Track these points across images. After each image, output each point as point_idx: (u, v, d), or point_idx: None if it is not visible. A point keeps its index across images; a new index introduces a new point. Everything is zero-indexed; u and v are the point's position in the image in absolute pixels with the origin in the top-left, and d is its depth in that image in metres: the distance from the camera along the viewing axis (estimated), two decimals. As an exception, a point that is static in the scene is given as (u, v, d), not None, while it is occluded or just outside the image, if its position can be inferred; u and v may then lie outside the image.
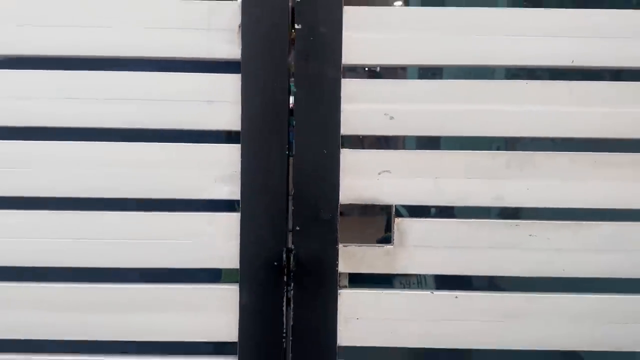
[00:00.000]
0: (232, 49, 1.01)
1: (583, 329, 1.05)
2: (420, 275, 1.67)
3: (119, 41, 1.01)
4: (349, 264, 1.04)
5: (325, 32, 1.01)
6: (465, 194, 1.03)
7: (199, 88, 1.02)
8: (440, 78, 1.37)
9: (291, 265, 1.03)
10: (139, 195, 1.03)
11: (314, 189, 1.03)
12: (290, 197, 1.03)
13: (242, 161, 1.02)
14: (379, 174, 1.03)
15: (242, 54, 1.01)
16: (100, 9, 1.02)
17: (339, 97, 1.01)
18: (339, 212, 1.03)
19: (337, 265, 1.03)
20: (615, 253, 1.03)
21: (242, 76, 1.01)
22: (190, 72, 1.03)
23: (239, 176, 1.02)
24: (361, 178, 1.03)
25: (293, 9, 1.00)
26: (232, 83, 1.01)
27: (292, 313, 1.03)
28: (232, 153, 1.02)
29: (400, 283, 1.69)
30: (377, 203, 1.04)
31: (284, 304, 1.03)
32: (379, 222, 1.45)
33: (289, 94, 1.02)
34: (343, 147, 1.02)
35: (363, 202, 1.04)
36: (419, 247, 1.03)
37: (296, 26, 1.00)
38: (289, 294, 1.04)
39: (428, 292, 1.05)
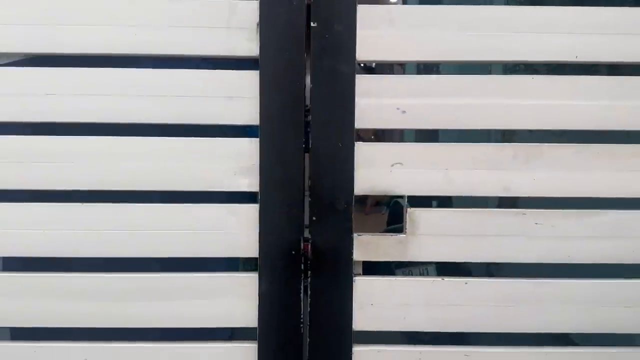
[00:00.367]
0: (251, 47, 1.06)
1: (587, 312, 1.09)
2: (422, 267, 1.72)
3: (143, 39, 1.05)
4: (363, 252, 1.08)
5: (340, 29, 1.05)
6: (474, 185, 1.08)
7: (219, 84, 1.06)
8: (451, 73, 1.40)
9: (308, 254, 1.07)
10: (161, 187, 1.07)
11: (330, 180, 1.07)
12: (306, 189, 1.07)
13: (260, 154, 1.06)
14: (392, 166, 1.08)
15: (260, 52, 1.05)
16: (123, 9, 1.05)
17: (354, 92, 1.06)
18: (353, 202, 1.07)
19: (352, 253, 1.08)
20: (617, 240, 1.08)
21: (260, 73, 1.05)
22: (210, 69, 1.07)
23: (258, 169, 1.07)
24: (375, 170, 1.08)
25: (309, 7, 1.04)
26: (250, 79, 1.06)
27: (309, 300, 1.08)
28: (251, 147, 1.07)
29: (403, 273, 1.74)
30: (390, 194, 1.09)
31: (302, 291, 1.08)
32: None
33: (305, 90, 1.06)
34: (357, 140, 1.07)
35: (377, 193, 1.09)
36: (430, 235, 1.08)
37: (312, 24, 1.04)
38: (306, 282, 1.08)
39: (439, 279, 1.10)
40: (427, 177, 1.08)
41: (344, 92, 1.06)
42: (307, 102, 1.06)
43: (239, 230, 1.08)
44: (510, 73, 1.17)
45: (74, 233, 1.08)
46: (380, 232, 1.10)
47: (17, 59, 1.10)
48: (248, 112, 1.06)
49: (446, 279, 1.10)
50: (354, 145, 1.07)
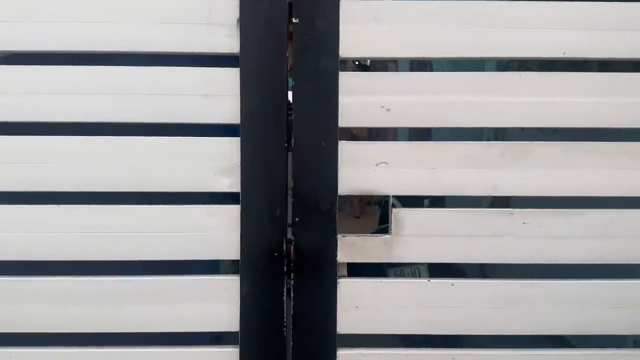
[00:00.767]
0: (231, 43, 1.03)
1: (575, 314, 1.07)
2: (414, 267, 1.70)
3: (120, 36, 1.02)
4: (347, 254, 1.06)
5: (323, 25, 1.02)
6: (461, 184, 1.05)
7: (199, 82, 1.03)
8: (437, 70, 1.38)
9: (291, 256, 1.05)
10: (140, 188, 1.05)
11: (313, 180, 1.04)
12: (289, 189, 1.05)
13: (241, 154, 1.04)
14: (377, 165, 1.05)
15: (240, 48, 1.02)
16: (101, 5, 1.02)
17: (337, 89, 1.03)
18: (337, 202, 1.05)
19: (336, 255, 1.05)
20: (606, 240, 1.06)
21: (240, 70, 1.02)
22: (190, 67, 1.04)
23: (239, 169, 1.04)
24: (359, 169, 1.05)
25: (290, 3, 1.02)
26: (231, 77, 1.03)
27: (292, 302, 1.05)
28: (232, 146, 1.04)
29: (395, 274, 1.72)
30: (375, 194, 1.06)
31: (284, 293, 1.05)
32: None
33: (287, 87, 1.03)
34: (341, 139, 1.04)
35: (361, 193, 1.06)
36: (416, 236, 1.06)
37: (294, 20, 1.02)
38: (289, 284, 1.05)
39: (425, 280, 1.07)
40: (413, 176, 1.05)
41: (327, 89, 1.03)
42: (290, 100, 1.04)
43: (220, 232, 1.06)
44: (503, 70, 1.14)
45: (51, 236, 1.05)
46: (365, 233, 1.07)
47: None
48: (229, 110, 1.04)
49: (433, 280, 1.07)
50: (337, 144, 1.04)
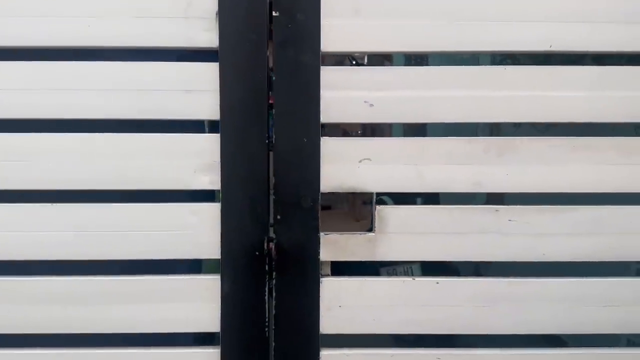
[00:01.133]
0: (210, 37, 1.01)
1: (564, 313, 1.05)
2: (407, 266, 1.68)
3: (96, 31, 1.00)
4: (330, 252, 1.04)
5: (303, 19, 1.00)
6: (445, 181, 1.03)
7: (177, 77, 1.01)
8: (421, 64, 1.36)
9: (273, 255, 1.02)
10: (118, 186, 1.03)
11: (295, 177, 1.02)
12: (272, 186, 1.03)
13: (221, 151, 1.01)
14: (360, 162, 1.03)
15: (220, 42, 1.00)
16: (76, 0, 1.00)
17: (319, 84, 1.01)
18: (320, 200, 1.02)
19: (318, 253, 1.03)
20: (594, 237, 1.04)
21: (220, 64, 1.00)
22: (168, 61, 1.02)
23: (219, 166, 1.02)
24: (342, 166, 1.03)
25: (271, -4, 1.00)
26: (210, 72, 1.01)
27: (274, 302, 1.03)
28: (211, 143, 1.02)
29: (388, 273, 1.70)
30: (358, 191, 1.04)
31: (266, 293, 1.03)
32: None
33: (268, 82, 1.01)
34: (323, 135, 1.02)
35: (344, 191, 1.04)
36: (400, 234, 1.04)
37: (274, 13, 1.00)
38: (271, 283, 1.03)
39: (409, 279, 1.05)
40: (397, 173, 1.03)
41: (309, 84, 1.01)
42: (272, 95, 1.02)
43: (200, 231, 1.03)
44: (489, 64, 1.12)
45: (29, 235, 1.02)
46: (348, 231, 1.05)
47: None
48: (208, 106, 1.01)
49: (417, 278, 1.05)
50: (319, 140, 1.02)
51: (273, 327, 1.03)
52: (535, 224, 1.04)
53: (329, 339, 1.04)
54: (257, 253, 1.03)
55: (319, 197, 1.02)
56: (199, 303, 1.04)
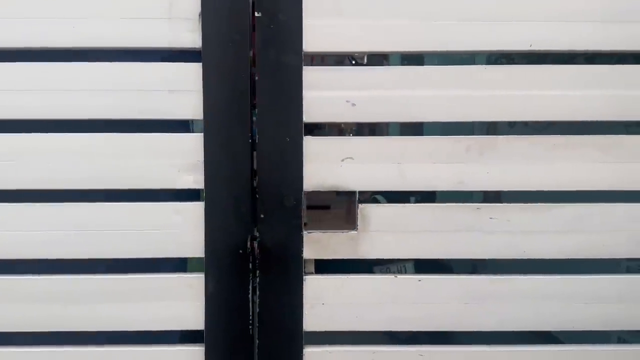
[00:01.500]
0: (193, 38, 1.01)
1: (548, 310, 1.06)
2: (400, 265, 1.69)
3: (81, 32, 1.01)
4: (313, 250, 1.05)
5: (285, 19, 1.01)
6: (427, 180, 1.04)
7: (161, 78, 1.02)
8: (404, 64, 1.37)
9: (256, 253, 1.03)
10: (102, 185, 1.03)
11: (278, 176, 1.03)
12: (254, 185, 1.04)
13: (205, 150, 1.02)
14: (342, 160, 1.04)
15: (202, 43, 1.01)
16: (60, 1, 1.01)
17: (301, 84, 1.02)
18: (303, 199, 1.03)
19: (302, 251, 1.04)
20: (575, 234, 1.05)
21: (203, 65, 1.01)
22: (152, 62, 1.03)
23: (203, 165, 1.02)
24: (324, 165, 1.04)
25: (253, -4, 1.01)
26: (193, 72, 1.02)
27: (258, 300, 1.04)
28: (195, 142, 1.03)
29: (381, 271, 1.70)
30: (341, 189, 1.05)
31: (250, 291, 1.04)
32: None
33: (251, 82, 1.02)
34: (306, 134, 1.03)
35: (327, 189, 1.05)
36: (382, 232, 1.05)
37: (256, 14, 1.01)
38: (255, 282, 1.04)
39: (392, 276, 1.06)
40: (379, 171, 1.04)
41: (291, 84, 1.02)
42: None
43: (184, 230, 1.04)
44: (469, 64, 1.12)
45: (13, 234, 1.03)
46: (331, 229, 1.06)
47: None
48: (191, 106, 1.02)
49: (400, 276, 1.06)
50: (302, 139, 1.03)
51: (257, 324, 1.04)
52: (516, 222, 1.05)
53: (312, 336, 1.05)
54: (240, 252, 1.04)
55: (302, 196, 1.03)
56: (183, 301, 1.05)
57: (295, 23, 1.01)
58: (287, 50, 1.01)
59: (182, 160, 1.03)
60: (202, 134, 1.02)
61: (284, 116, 1.02)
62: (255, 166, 1.03)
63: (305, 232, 1.04)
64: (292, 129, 1.03)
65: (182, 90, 1.02)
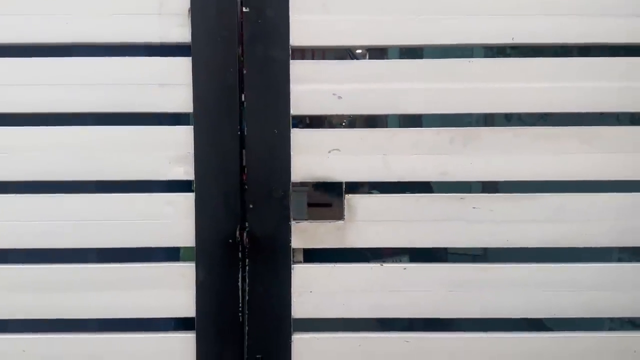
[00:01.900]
0: (183, 33, 1.04)
1: (528, 297, 1.09)
2: (396, 256, 1.71)
3: (73, 28, 1.04)
4: (301, 240, 1.07)
5: (273, 14, 1.03)
6: (412, 170, 1.07)
7: (151, 72, 1.05)
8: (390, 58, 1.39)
9: (245, 242, 1.06)
10: (95, 177, 1.06)
11: (266, 168, 1.06)
12: (243, 177, 1.06)
13: (195, 143, 1.05)
14: (329, 152, 1.07)
15: (192, 38, 1.03)
16: (53, -4, 1.04)
17: (288, 78, 1.04)
18: (291, 190, 1.06)
19: (290, 241, 1.07)
20: (556, 224, 1.08)
21: (192, 59, 1.04)
22: (143, 56, 1.05)
23: (193, 157, 1.05)
24: (312, 157, 1.07)
25: (241, -8, 1.03)
26: (183, 66, 1.04)
27: (247, 288, 1.07)
28: (185, 135, 1.05)
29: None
30: (328, 180, 1.08)
31: (240, 279, 1.07)
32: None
33: (240, 76, 1.05)
34: (293, 127, 1.06)
35: (314, 180, 1.08)
36: (369, 221, 1.07)
37: (244, 9, 1.03)
38: (244, 270, 1.07)
39: (378, 265, 1.09)
40: (365, 162, 1.07)
41: (278, 78, 1.05)
42: (244, 89, 1.05)
43: (176, 220, 1.07)
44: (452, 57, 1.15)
45: (7, 224, 1.06)
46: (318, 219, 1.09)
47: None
48: (182, 99, 1.05)
49: (385, 264, 1.09)
50: (289, 131, 1.05)
51: (247, 312, 1.07)
52: (498, 211, 1.07)
53: (301, 323, 1.08)
54: (230, 241, 1.06)
55: (290, 187, 1.06)
56: (175, 290, 1.08)
57: (282, 18, 1.04)
58: (274, 45, 1.04)
59: (173, 152, 1.06)
60: (192, 126, 1.05)
61: (271, 109, 1.05)
62: (244, 158, 1.06)
63: (293, 222, 1.07)
64: (279, 121, 1.05)
65: (172, 84, 1.05)
